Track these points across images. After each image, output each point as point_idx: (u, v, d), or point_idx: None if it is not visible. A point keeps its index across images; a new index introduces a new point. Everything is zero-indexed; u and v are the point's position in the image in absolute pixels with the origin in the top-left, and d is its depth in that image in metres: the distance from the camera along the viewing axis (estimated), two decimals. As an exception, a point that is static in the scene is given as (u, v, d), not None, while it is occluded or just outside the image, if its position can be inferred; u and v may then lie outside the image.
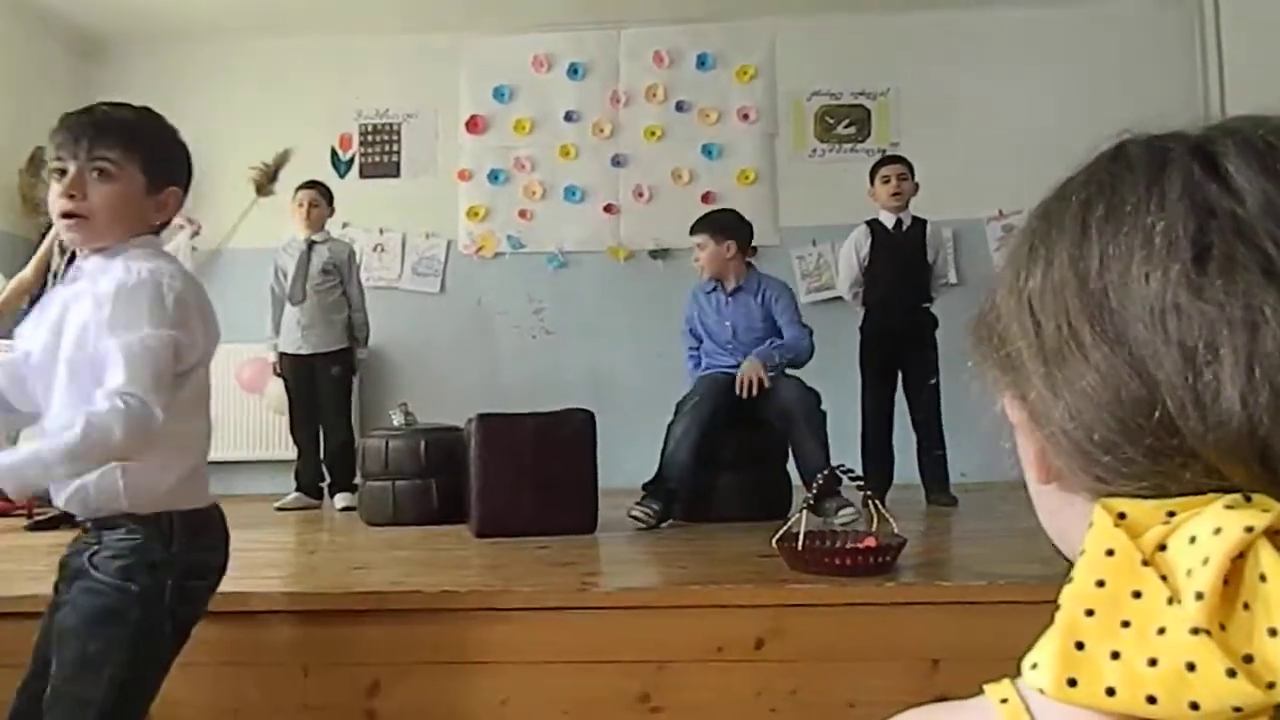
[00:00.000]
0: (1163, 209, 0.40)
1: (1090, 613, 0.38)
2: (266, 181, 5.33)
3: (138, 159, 1.54)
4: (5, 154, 4.82)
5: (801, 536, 2.18)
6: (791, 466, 3.59)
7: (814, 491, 2.37)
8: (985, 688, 0.44)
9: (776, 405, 3.46)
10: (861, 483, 2.41)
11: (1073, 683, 0.38)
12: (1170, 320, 0.39)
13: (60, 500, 1.53)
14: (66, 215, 1.51)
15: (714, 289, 3.77)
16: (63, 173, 1.50)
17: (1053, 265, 0.43)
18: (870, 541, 2.22)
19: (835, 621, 2.00)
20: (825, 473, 2.43)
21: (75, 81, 5.28)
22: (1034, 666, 0.39)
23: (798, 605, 2.01)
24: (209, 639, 2.04)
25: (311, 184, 4.46)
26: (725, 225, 3.75)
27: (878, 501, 2.37)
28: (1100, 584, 0.38)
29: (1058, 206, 0.45)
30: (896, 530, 2.28)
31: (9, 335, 3.93)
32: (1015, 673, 0.43)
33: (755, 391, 3.42)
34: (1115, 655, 0.37)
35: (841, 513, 3.15)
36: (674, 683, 1.99)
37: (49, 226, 3.85)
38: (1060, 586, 0.40)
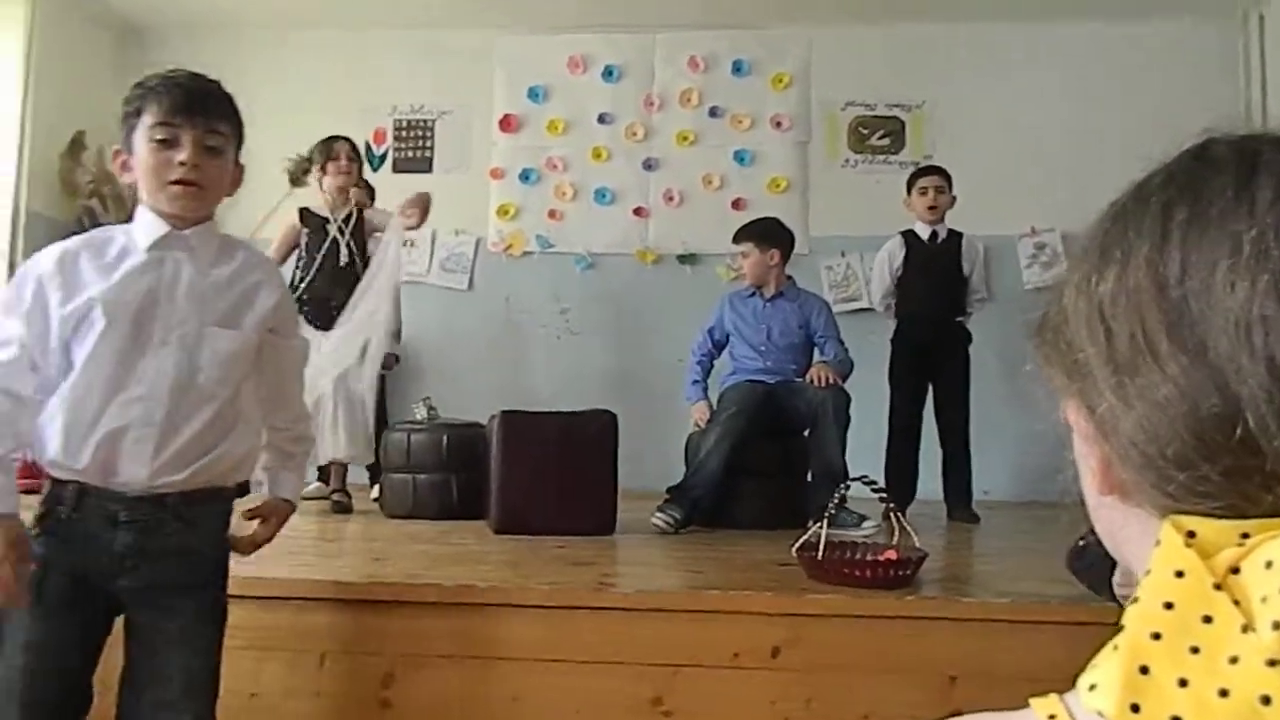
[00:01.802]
0: (1253, 215, 0.38)
1: (1157, 636, 0.36)
2: (300, 174, 5.36)
3: (235, 135, 1.56)
4: (47, 138, 4.89)
5: (822, 546, 2.16)
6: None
7: (836, 501, 2.35)
8: (1031, 702, 0.42)
9: (807, 399, 3.49)
10: (884, 495, 2.40)
11: (1136, 708, 0.36)
12: (1256, 333, 0.36)
13: (181, 475, 1.49)
14: (187, 183, 1.48)
15: (752, 294, 3.81)
16: (171, 140, 1.47)
17: (1128, 269, 0.41)
18: (891, 554, 2.21)
19: (853, 633, 1.99)
20: (847, 485, 2.42)
21: (117, 69, 5.34)
22: (1092, 688, 0.37)
23: (816, 615, 1.99)
24: (229, 623, 2.06)
25: (357, 184, 4.50)
26: (770, 233, 3.79)
27: (899, 514, 2.35)
28: (1168, 606, 0.36)
29: (1135, 208, 0.43)
30: (918, 544, 2.26)
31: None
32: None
33: (828, 383, 3.50)
34: (1183, 683, 0.35)
35: (863, 525, 3.14)
36: (688, 687, 1.98)
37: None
38: (1122, 610, 0.38)
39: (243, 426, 1.57)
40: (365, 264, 3.83)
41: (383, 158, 5.37)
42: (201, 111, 1.49)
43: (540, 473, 3.09)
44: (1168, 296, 0.39)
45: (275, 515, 1.71)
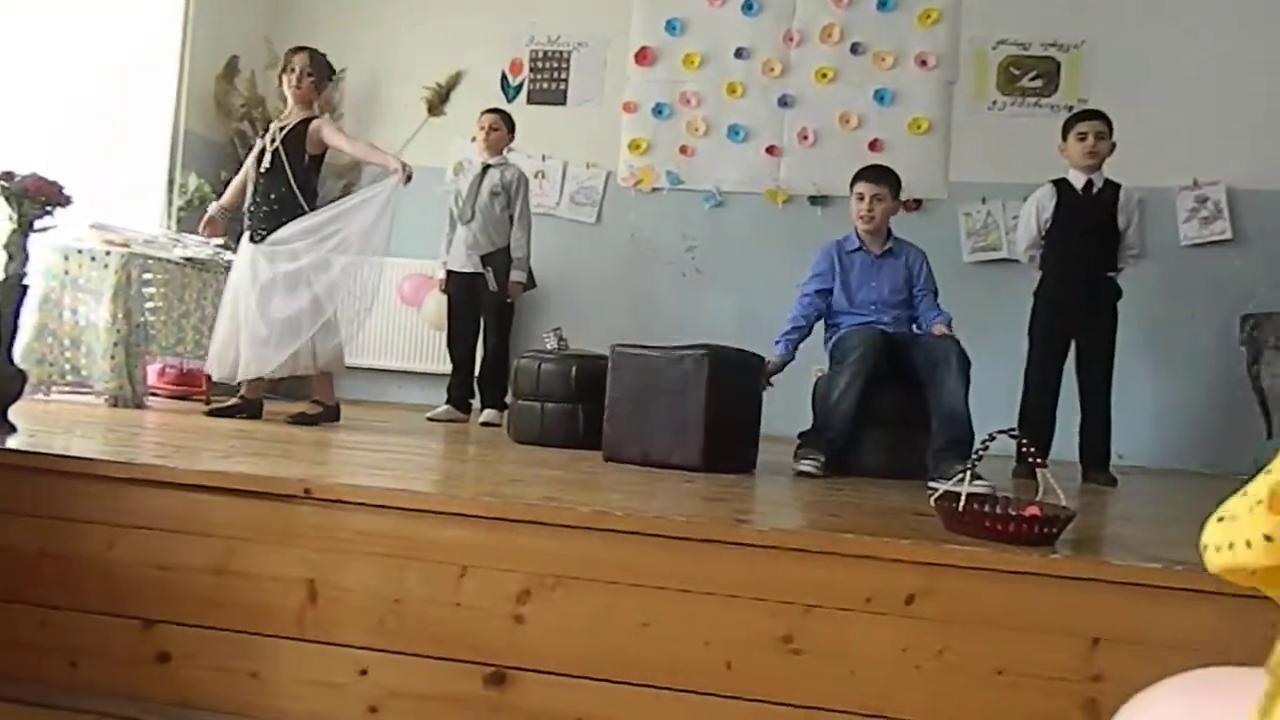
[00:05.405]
0: None
1: None
2: (438, 102, 5.46)
3: None
4: (204, 61, 5.09)
5: (964, 498, 2.11)
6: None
7: (977, 452, 2.29)
8: None
9: (925, 348, 3.39)
10: (1032, 451, 2.32)
11: None
12: None
13: None
14: None
15: (858, 248, 3.63)
16: None
17: None
18: (1034, 511, 2.14)
19: (992, 587, 1.94)
20: (992, 436, 2.34)
21: (268, -6, 5.50)
22: None
23: (954, 566, 1.95)
24: (375, 530, 2.16)
25: (494, 110, 4.58)
26: (899, 184, 3.63)
27: (1045, 470, 2.28)
28: None
29: None
30: (1064, 502, 2.19)
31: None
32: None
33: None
34: None
35: (976, 482, 3.04)
36: (819, 628, 1.97)
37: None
38: None
39: None
40: (295, 169, 3.61)
41: (518, 88, 5.40)
42: None
43: (642, 405, 3.12)
44: None
45: None
